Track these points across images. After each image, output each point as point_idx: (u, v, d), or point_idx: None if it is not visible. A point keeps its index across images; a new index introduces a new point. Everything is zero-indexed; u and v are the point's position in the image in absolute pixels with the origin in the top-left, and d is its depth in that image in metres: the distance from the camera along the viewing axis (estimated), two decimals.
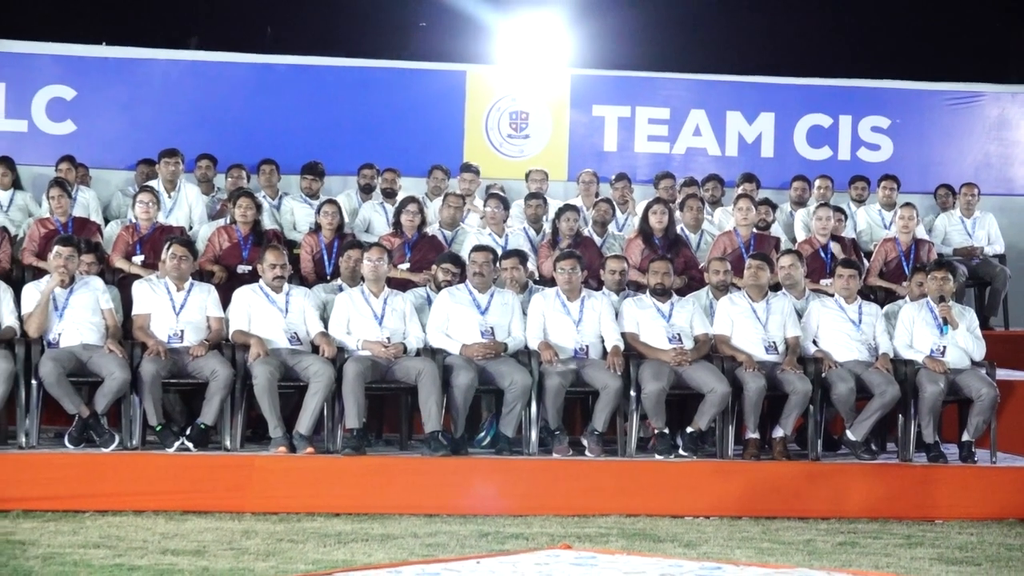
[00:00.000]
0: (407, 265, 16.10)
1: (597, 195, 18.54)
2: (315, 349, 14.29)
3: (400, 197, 17.42)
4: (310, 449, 13.89)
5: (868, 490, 14.34)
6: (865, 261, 17.28)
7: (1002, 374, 15.60)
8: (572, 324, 14.70)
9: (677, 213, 17.21)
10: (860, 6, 38.81)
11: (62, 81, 19.67)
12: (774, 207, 18.37)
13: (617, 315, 14.84)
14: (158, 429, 13.97)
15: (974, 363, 15.07)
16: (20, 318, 14.05)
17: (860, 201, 19.48)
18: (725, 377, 14.52)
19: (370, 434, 14.50)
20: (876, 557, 12.03)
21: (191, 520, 12.82)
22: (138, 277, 14.95)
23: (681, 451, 14.47)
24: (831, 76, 21.63)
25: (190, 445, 13.85)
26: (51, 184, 16.54)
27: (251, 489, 13.49)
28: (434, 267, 15.38)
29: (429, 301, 14.93)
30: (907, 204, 18.06)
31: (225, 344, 14.29)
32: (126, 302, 14.53)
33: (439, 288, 14.97)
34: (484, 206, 17.21)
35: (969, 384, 14.85)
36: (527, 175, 19.13)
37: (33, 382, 13.78)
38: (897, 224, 17.81)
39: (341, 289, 14.94)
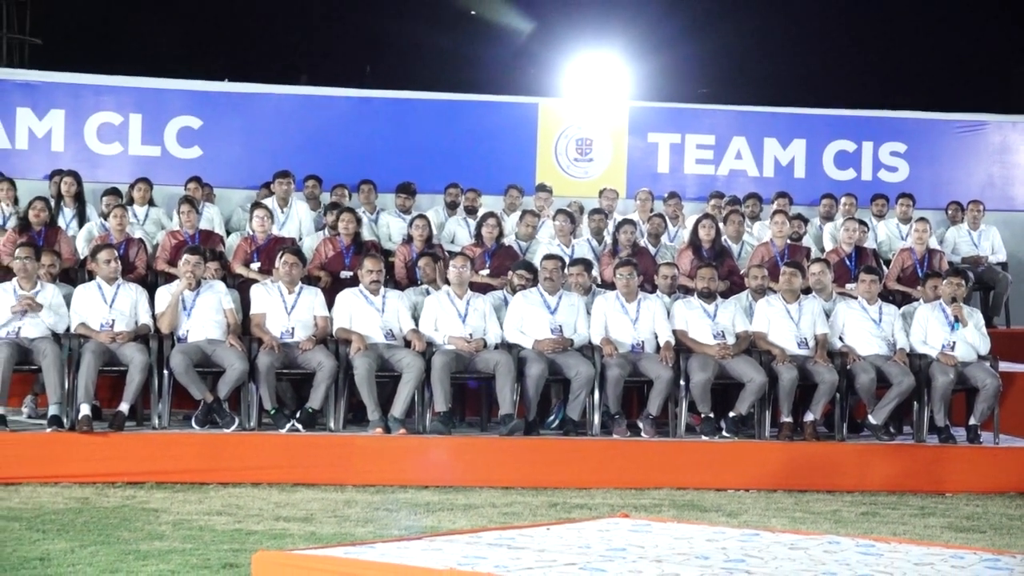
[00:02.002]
0: (487, 271, 16.11)
1: (652, 211, 18.49)
2: (407, 344, 14.30)
3: (481, 212, 17.41)
4: (403, 430, 13.90)
5: (887, 467, 14.27)
6: (884, 268, 17.20)
7: (1004, 366, 15.51)
8: (630, 322, 14.67)
9: (721, 226, 17.15)
10: (879, 48, 38.62)
11: (190, 112, 19.71)
12: (805, 221, 18.31)
13: (669, 315, 14.81)
14: (272, 413, 14.00)
15: (980, 357, 14.98)
16: (154, 317, 14.12)
17: (880, 216, 19.37)
18: (763, 368, 14.47)
19: (454, 417, 14.49)
20: (894, 526, 11.98)
21: (300, 491, 12.86)
22: (255, 281, 15.00)
23: (724, 433, 14.42)
24: (855, 107, 21.54)
25: (300, 427, 13.88)
26: (181, 201, 16.60)
27: (352, 465, 13.52)
28: (510, 273, 15.38)
29: (506, 302, 14.93)
30: (921, 219, 18.00)
31: (330, 339, 14.32)
32: (245, 303, 14.57)
33: (514, 291, 14.96)
34: (554, 220, 17.18)
35: (975, 375, 14.77)
36: (600, 192, 19.07)
37: (165, 372, 13.85)
38: (912, 236, 17.74)
39: (429, 292, 14.95)
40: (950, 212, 19.81)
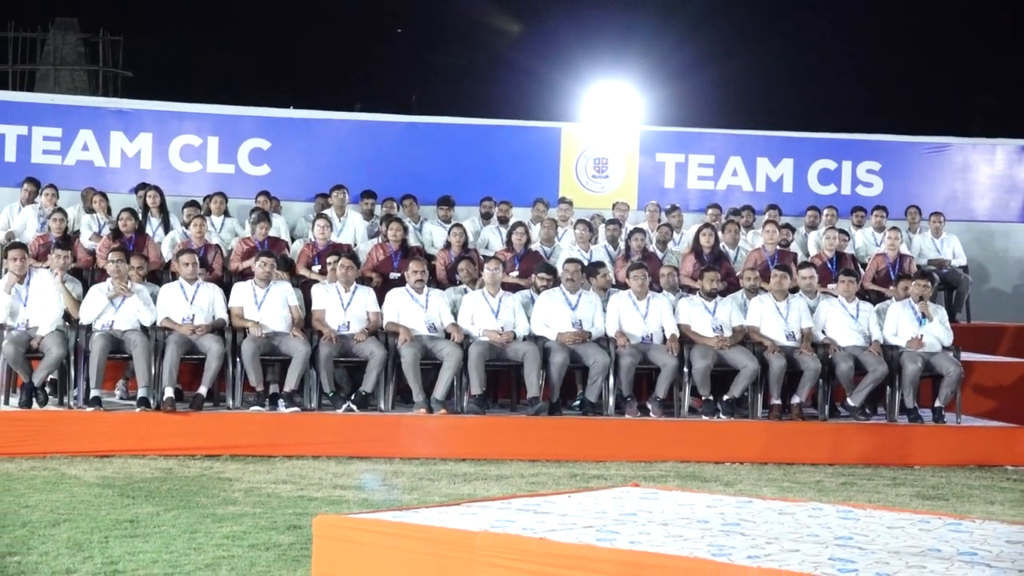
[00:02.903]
0: (516, 273, 16.10)
1: (659, 221, 18.47)
2: (447, 335, 14.30)
3: (511, 222, 17.40)
4: (443, 411, 13.90)
5: (863, 443, 14.23)
6: (861, 271, 17.17)
7: (965, 356, 15.46)
8: (640, 318, 14.65)
9: (719, 234, 17.13)
10: (858, 80, 38.58)
11: (260, 135, 19.74)
12: (793, 230, 18.27)
13: (674, 311, 14.79)
14: (330, 395, 14.02)
15: (944, 348, 14.93)
16: (228, 312, 14.14)
17: (858, 225, 19.31)
18: (755, 357, 14.45)
19: (488, 399, 14.49)
20: (869, 494, 11.95)
21: (354, 463, 12.87)
22: (316, 282, 15.03)
23: (722, 414, 14.41)
24: (836, 131, 21.50)
25: (354, 407, 13.88)
26: (252, 212, 16.66)
27: (399, 440, 13.53)
28: (533, 275, 15.39)
29: (532, 300, 14.92)
30: (894, 228, 17.97)
31: (380, 332, 14.32)
32: (307, 300, 14.59)
33: (539, 291, 14.96)
34: (574, 229, 17.17)
35: (940, 363, 14.73)
36: (614, 206, 19.03)
37: (238, 360, 13.89)
38: (886, 243, 17.69)
39: (467, 291, 14.96)
40: (911, 214, 19.75)
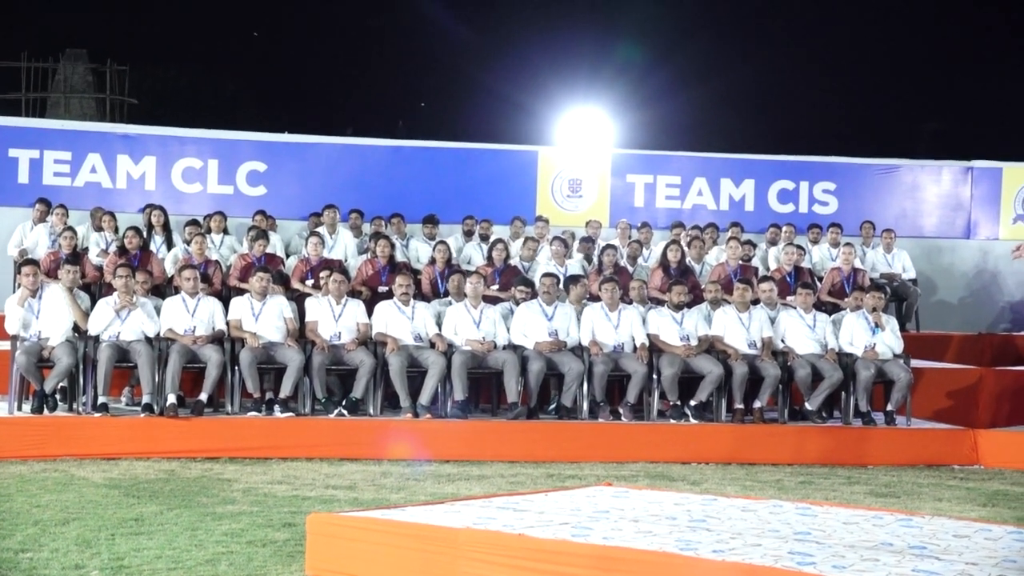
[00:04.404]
0: (496, 286, 16.09)
1: (630, 238, 18.47)
2: (432, 345, 14.28)
3: (492, 239, 17.40)
4: (428, 415, 13.88)
5: (820, 445, 14.23)
6: (818, 284, 17.18)
7: (915, 363, 15.48)
8: (612, 328, 14.65)
9: (685, 249, 17.14)
10: (814, 107, 38.72)
11: (257, 159, 19.72)
12: (754, 246, 18.27)
13: (644, 321, 14.78)
14: (323, 401, 13.99)
15: (895, 355, 14.96)
16: (227, 323, 14.11)
17: (815, 242, 19.32)
18: (720, 364, 14.45)
19: (470, 404, 14.46)
20: (826, 491, 11.95)
21: (345, 464, 12.83)
22: (309, 295, 14.99)
23: (690, 418, 14.40)
24: (794, 154, 21.50)
25: (345, 412, 13.85)
26: (249, 230, 16.62)
27: (387, 443, 13.47)
28: (512, 288, 15.38)
29: (511, 311, 14.90)
30: (848, 244, 17.98)
31: (370, 341, 14.30)
32: (301, 312, 14.56)
33: (518, 303, 14.95)
34: (550, 245, 17.16)
35: (892, 370, 14.75)
36: (587, 223, 19.01)
37: (236, 368, 13.85)
38: (841, 258, 17.70)
39: (451, 303, 14.94)
40: (864, 231, 19.76)
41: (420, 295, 15.50)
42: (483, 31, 39.09)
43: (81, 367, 13.52)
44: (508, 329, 14.63)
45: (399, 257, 16.97)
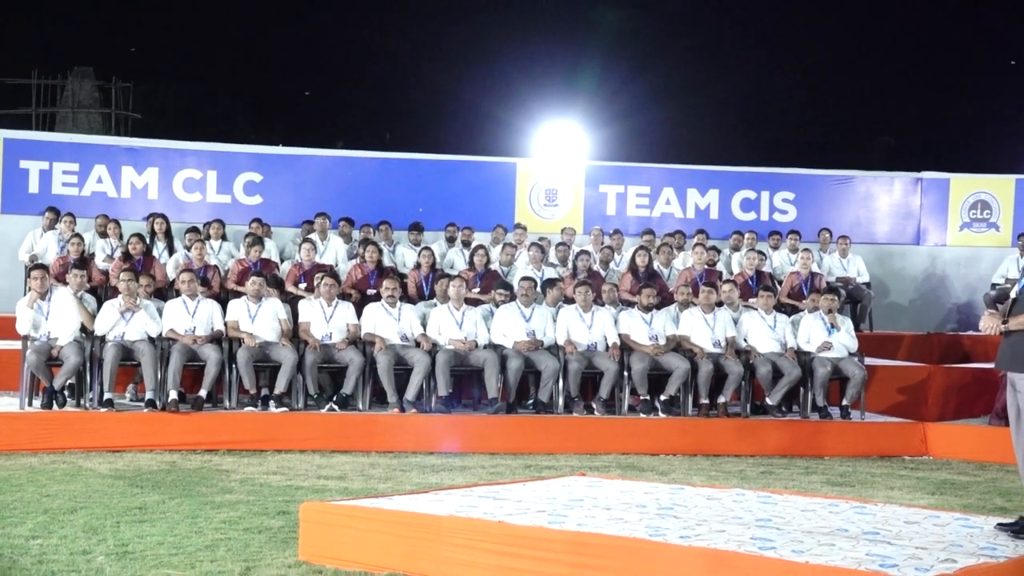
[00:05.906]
0: (478, 289, 16.08)
1: (602, 244, 18.48)
2: (418, 344, 14.27)
3: (473, 245, 17.39)
4: (414, 410, 13.87)
5: (780, 437, 14.25)
6: (778, 287, 17.21)
7: (869, 361, 15.53)
8: (586, 328, 14.66)
9: (653, 255, 17.16)
10: (775, 121, 38.83)
11: (253, 170, 19.69)
12: (718, 251, 18.31)
13: (616, 322, 14.79)
14: (315, 397, 13.99)
15: (850, 354, 14.99)
16: (225, 324, 14.08)
17: (775, 247, 19.35)
18: (686, 361, 14.47)
19: (453, 400, 14.47)
20: (785, 481, 11.97)
21: (336, 456, 12.81)
22: (302, 297, 14.98)
23: (659, 412, 14.41)
24: (756, 166, 21.55)
25: (336, 407, 13.83)
26: (246, 236, 16.60)
27: (375, 436, 13.47)
28: (493, 291, 15.38)
29: (492, 313, 14.91)
30: (806, 249, 18.00)
31: (359, 341, 14.28)
32: (294, 314, 14.53)
33: (497, 305, 14.95)
34: (528, 251, 17.17)
35: (847, 367, 14.78)
36: (562, 231, 19.01)
37: (234, 366, 13.83)
38: (799, 263, 17.74)
39: (435, 305, 14.93)
40: (821, 237, 19.80)
41: (406, 297, 15.48)
42: (466, 49, 39.17)
43: (88, 365, 13.49)
44: (489, 329, 14.62)
45: (386, 262, 16.95)
